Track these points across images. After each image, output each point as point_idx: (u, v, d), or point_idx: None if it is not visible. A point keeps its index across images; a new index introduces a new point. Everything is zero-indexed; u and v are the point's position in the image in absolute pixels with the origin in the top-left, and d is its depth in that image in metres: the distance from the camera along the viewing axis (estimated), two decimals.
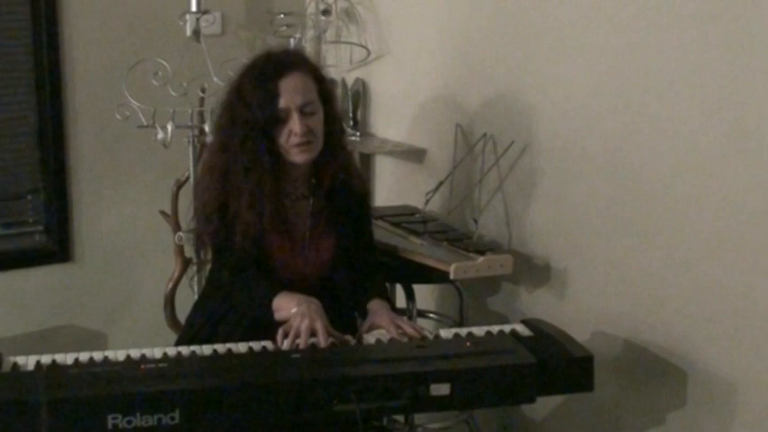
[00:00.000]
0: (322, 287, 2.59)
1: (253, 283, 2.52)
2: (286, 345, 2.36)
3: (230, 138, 2.52)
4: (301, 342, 2.35)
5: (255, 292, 2.50)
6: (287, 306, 2.43)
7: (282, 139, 2.49)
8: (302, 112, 2.48)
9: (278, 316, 2.44)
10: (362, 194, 2.71)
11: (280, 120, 2.48)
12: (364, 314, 2.58)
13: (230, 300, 2.57)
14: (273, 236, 2.54)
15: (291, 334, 2.36)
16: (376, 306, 2.56)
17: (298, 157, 2.51)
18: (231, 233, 2.51)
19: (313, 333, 2.37)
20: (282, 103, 2.47)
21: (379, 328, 2.49)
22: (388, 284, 3.16)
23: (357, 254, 2.66)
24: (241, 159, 2.49)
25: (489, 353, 2.35)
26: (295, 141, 2.48)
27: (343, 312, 2.60)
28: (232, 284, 2.56)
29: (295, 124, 2.47)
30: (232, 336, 2.51)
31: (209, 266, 2.79)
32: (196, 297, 3.07)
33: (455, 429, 3.14)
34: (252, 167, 2.49)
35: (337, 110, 2.65)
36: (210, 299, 2.66)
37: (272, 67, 2.50)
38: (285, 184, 2.57)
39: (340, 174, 2.59)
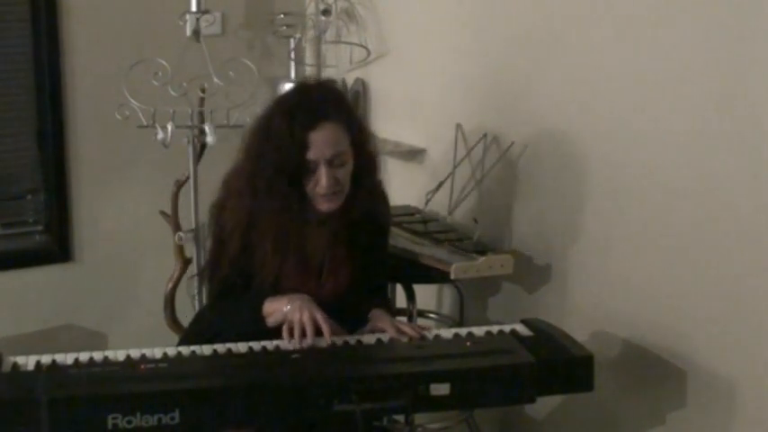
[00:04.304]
0: (333, 310, 2.54)
1: (236, 300, 2.51)
2: (294, 342, 2.35)
3: (258, 171, 2.46)
4: (308, 334, 2.34)
5: (242, 307, 2.49)
6: (278, 307, 2.42)
7: (309, 188, 2.44)
8: (331, 164, 2.43)
9: (271, 321, 2.44)
10: (384, 225, 2.68)
11: (308, 170, 2.43)
12: (366, 323, 2.57)
13: (219, 322, 2.54)
14: (288, 264, 2.52)
15: (297, 330, 2.35)
16: (377, 312, 2.56)
17: (323, 206, 2.46)
18: (247, 265, 2.49)
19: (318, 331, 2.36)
20: (311, 155, 2.41)
21: (381, 331, 2.49)
22: (387, 284, 3.16)
23: (370, 280, 2.64)
24: (269, 200, 2.46)
25: (489, 353, 2.35)
26: (321, 192, 2.44)
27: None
28: (213, 309, 2.57)
29: (322, 177, 2.42)
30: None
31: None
32: (195, 303, 3.07)
33: (455, 429, 3.14)
34: (279, 211, 2.46)
35: (372, 150, 2.56)
36: (206, 318, 2.66)
37: (304, 114, 2.42)
38: (308, 211, 2.52)
39: (367, 204, 2.56)
